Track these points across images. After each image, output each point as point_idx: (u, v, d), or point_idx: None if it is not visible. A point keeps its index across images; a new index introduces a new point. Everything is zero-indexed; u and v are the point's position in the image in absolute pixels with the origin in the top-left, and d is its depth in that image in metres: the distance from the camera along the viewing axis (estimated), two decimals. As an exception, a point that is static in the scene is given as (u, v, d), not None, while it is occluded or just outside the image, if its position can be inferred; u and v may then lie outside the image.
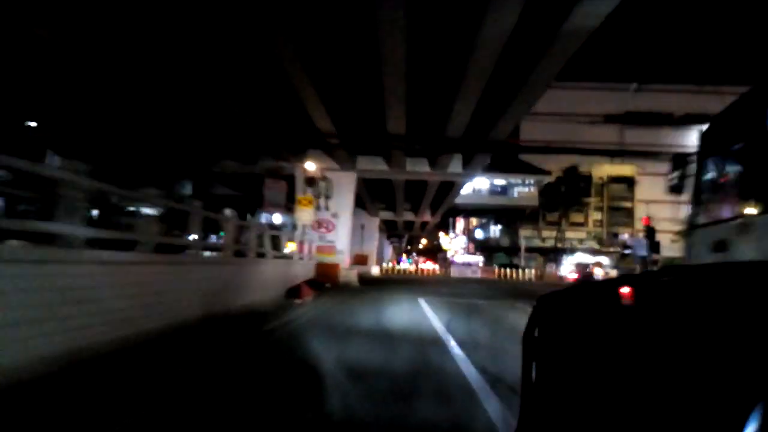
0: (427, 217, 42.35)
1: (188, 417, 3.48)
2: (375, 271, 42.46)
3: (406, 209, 39.72)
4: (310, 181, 20.54)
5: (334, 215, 22.67)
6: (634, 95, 58.18)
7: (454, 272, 43.33)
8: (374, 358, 5.60)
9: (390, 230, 60.10)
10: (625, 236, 49.38)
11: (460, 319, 10.11)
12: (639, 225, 54.34)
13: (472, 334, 8.02)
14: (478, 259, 59.27)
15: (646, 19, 61.47)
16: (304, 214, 18.54)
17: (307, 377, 4.57)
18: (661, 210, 57.49)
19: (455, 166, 22.51)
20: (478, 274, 42.95)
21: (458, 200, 50.09)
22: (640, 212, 54.67)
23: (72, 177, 5.06)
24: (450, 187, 28.26)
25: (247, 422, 3.40)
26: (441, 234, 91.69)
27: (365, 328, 8.18)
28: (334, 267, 19.67)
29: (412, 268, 47.86)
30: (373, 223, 42.39)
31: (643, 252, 39.61)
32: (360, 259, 42.08)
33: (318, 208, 20.94)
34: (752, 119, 3.01)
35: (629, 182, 54.44)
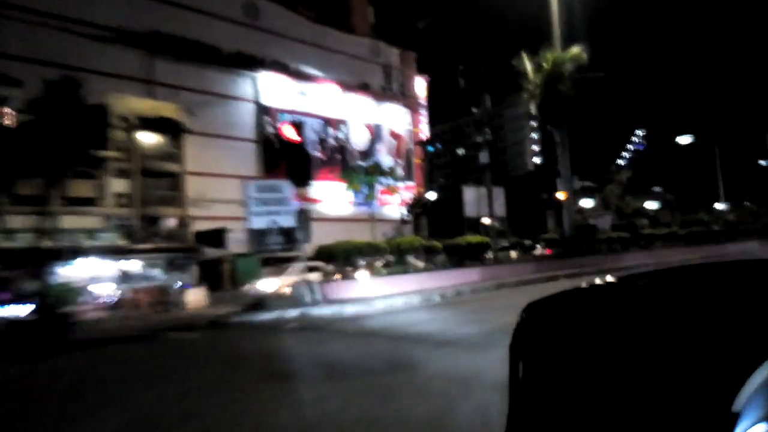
0: None
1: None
2: None
3: None
4: None
5: None
6: (169, 13, 36.79)
7: None
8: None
9: None
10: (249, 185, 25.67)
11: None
12: (194, 210, 33.03)
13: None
14: None
15: None
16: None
17: None
18: (215, 186, 37.60)
19: None
20: None
21: None
22: (194, 183, 33.66)
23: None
24: None
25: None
26: None
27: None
28: None
29: None
30: None
31: (289, 221, 18.24)
32: None
33: None
34: None
35: (174, 130, 32.39)
